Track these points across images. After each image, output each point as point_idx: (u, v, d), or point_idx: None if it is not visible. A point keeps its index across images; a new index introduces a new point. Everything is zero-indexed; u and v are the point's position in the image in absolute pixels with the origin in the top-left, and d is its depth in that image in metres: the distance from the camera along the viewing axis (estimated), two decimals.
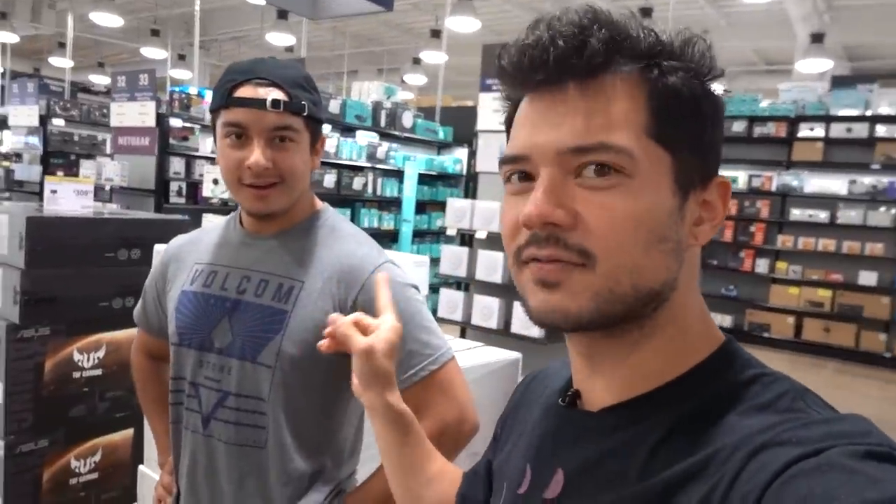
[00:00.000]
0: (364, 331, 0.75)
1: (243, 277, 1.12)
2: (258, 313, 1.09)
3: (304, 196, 1.16)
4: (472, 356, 1.94)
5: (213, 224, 1.28)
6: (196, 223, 2.34)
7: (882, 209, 7.43)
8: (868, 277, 7.33)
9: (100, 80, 15.21)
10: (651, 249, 0.51)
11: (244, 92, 1.04)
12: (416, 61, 13.82)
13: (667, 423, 0.51)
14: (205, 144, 6.87)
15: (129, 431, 2.68)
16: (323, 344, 0.76)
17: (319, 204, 1.21)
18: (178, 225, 2.82)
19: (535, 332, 4.29)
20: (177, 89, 6.80)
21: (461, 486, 0.78)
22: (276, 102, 1.04)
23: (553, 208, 0.51)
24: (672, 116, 0.51)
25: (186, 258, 1.22)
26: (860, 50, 11.50)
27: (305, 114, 1.07)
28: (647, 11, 8.94)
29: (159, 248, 2.13)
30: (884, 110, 7.39)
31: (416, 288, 1.14)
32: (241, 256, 1.15)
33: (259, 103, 1.03)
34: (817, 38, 9.97)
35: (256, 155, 1.04)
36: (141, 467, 2.23)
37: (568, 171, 0.51)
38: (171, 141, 6.48)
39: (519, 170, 0.54)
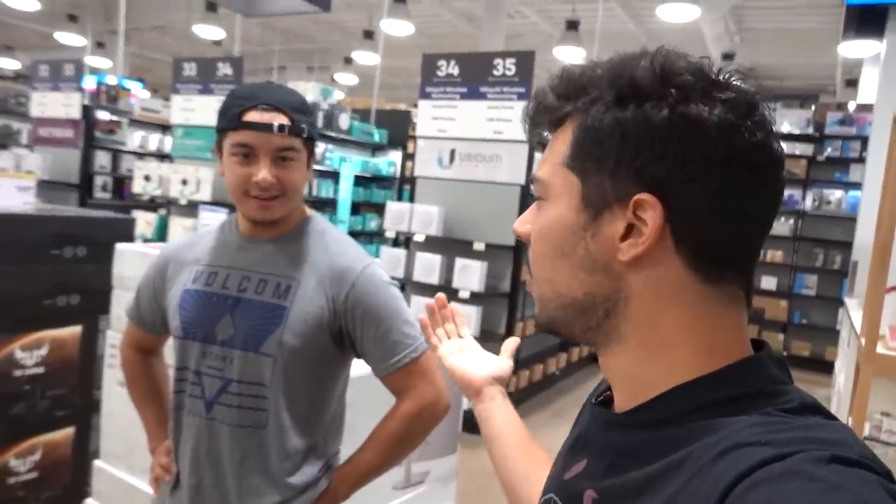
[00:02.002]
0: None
1: (243, 277, 1.24)
2: (259, 309, 1.22)
3: (297, 205, 1.30)
4: None
5: (206, 230, 1.38)
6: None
7: (782, 220, 8.07)
8: (769, 282, 7.93)
9: (8, 64, 14.35)
10: (556, 261, 0.59)
11: (252, 117, 1.18)
12: (348, 61, 13.79)
13: (660, 426, 0.55)
14: (133, 139, 6.68)
15: (71, 430, 2.66)
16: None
17: (308, 211, 1.34)
18: (126, 224, 2.82)
19: (470, 331, 4.46)
20: (103, 79, 6.57)
21: None
22: (281, 127, 1.18)
23: (520, 224, 0.64)
24: (582, 145, 0.57)
25: (185, 259, 1.33)
26: (765, 70, 12.35)
27: (305, 135, 1.22)
28: (573, 24, 9.34)
29: (121, 248, 2.16)
30: (785, 129, 8.04)
31: (396, 285, 1.30)
32: (240, 258, 1.27)
33: (267, 127, 1.18)
34: (728, 57, 10.67)
35: (264, 173, 1.18)
36: (97, 462, 2.24)
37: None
38: (97, 134, 6.28)
39: None
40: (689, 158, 0.52)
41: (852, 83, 10.47)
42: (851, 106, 7.67)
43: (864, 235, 4.69)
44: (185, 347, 1.26)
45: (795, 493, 0.41)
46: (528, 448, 0.87)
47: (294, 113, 1.20)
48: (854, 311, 3.86)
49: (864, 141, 6.83)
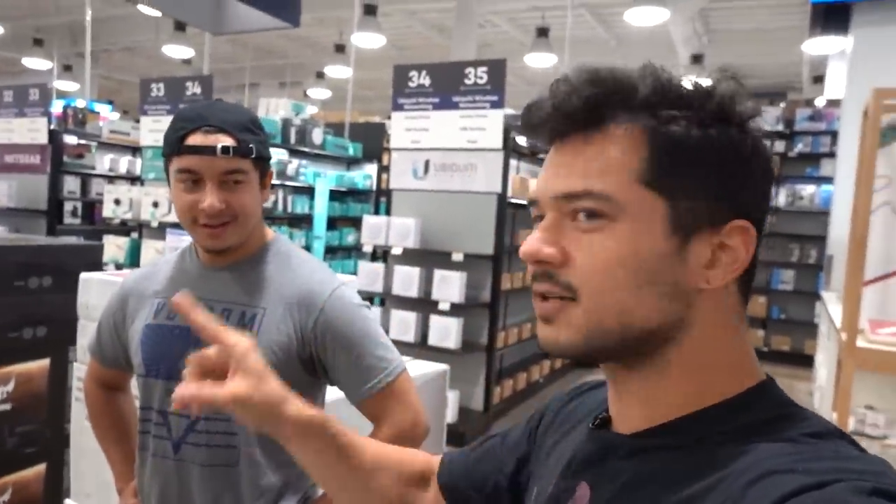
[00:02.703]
0: (213, 368, 0.69)
1: (206, 308, 1.17)
2: None
3: (256, 228, 1.23)
4: None
5: (166, 258, 1.33)
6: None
7: None
8: None
9: None
10: (637, 290, 0.53)
11: (195, 140, 1.11)
12: (320, 75, 13.75)
13: (688, 450, 0.53)
14: (103, 162, 6.56)
15: (42, 467, 2.57)
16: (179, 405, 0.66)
17: (271, 234, 1.28)
18: (93, 251, 2.75)
19: (451, 343, 4.43)
20: (71, 103, 6.46)
21: (446, 472, 0.79)
22: (225, 149, 1.11)
23: (541, 246, 0.56)
24: (668, 164, 0.53)
25: (145, 292, 1.27)
26: (734, 70, 12.49)
27: (253, 156, 1.15)
28: (543, 31, 9.39)
29: (86, 277, 2.09)
30: None
31: (368, 307, 1.25)
32: (201, 288, 1.21)
33: (210, 150, 1.11)
34: (697, 58, 10.81)
35: (210, 199, 1.11)
36: (68, 501, 2.16)
37: (565, 214, 0.56)
38: (66, 159, 6.16)
39: (537, 214, 0.59)
40: (763, 186, 0.56)
41: (819, 79, 10.65)
42: (820, 102, 7.80)
43: (838, 229, 4.74)
44: (148, 386, 1.20)
45: None
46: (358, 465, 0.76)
47: (241, 133, 1.14)
48: (832, 305, 3.89)
49: (834, 136, 6.92)
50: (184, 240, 4.63)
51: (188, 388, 0.66)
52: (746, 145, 0.54)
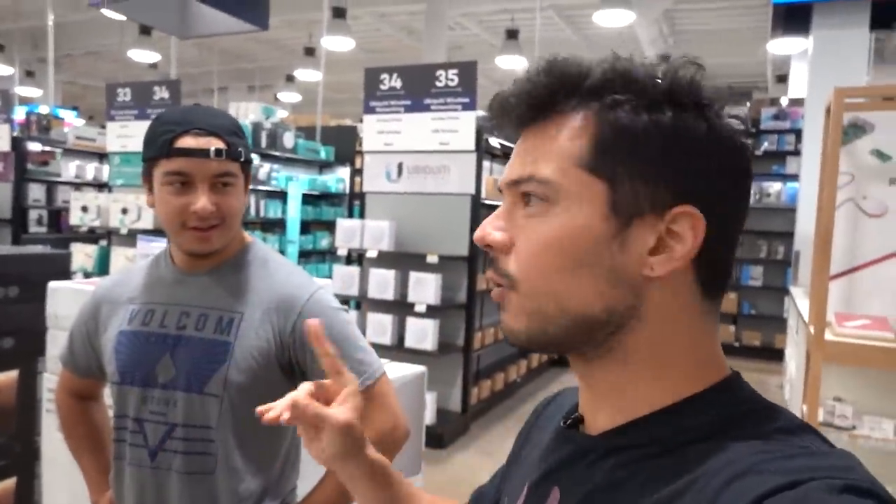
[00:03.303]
0: (325, 396, 0.71)
1: (182, 314, 1.17)
2: (201, 347, 1.14)
3: (235, 232, 1.22)
4: None
5: (138, 265, 1.31)
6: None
7: None
8: None
9: None
10: (572, 273, 0.53)
11: (186, 143, 1.11)
12: (290, 79, 13.65)
13: (657, 448, 0.52)
14: (68, 169, 6.42)
15: (12, 481, 2.51)
16: (271, 417, 0.68)
17: (248, 238, 1.27)
18: (61, 259, 2.69)
19: (428, 345, 4.43)
20: (35, 109, 6.32)
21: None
22: (219, 151, 1.12)
23: (489, 231, 0.57)
24: (610, 148, 0.52)
25: (119, 299, 1.25)
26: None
27: (242, 159, 1.16)
28: (513, 34, 9.46)
29: (54, 286, 2.04)
30: None
31: (346, 310, 1.24)
32: (177, 294, 1.20)
33: (203, 153, 1.11)
34: (664, 59, 10.96)
35: (203, 201, 1.11)
36: None
37: (517, 200, 0.56)
38: (30, 166, 6.02)
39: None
40: (721, 175, 0.53)
41: (782, 79, 10.88)
42: (784, 101, 7.96)
43: (805, 226, 4.84)
44: (123, 393, 1.18)
45: None
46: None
47: (229, 136, 1.14)
48: (800, 300, 3.97)
49: (798, 134, 7.08)
50: (154, 247, 4.56)
51: (305, 400, 0.68)
52: (699, 130, 0.52)
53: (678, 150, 0.52)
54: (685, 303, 0.54)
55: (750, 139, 0.54)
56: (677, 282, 0.53)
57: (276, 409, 0.68)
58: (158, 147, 1.12)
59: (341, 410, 0.68)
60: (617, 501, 0.52)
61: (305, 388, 0.70)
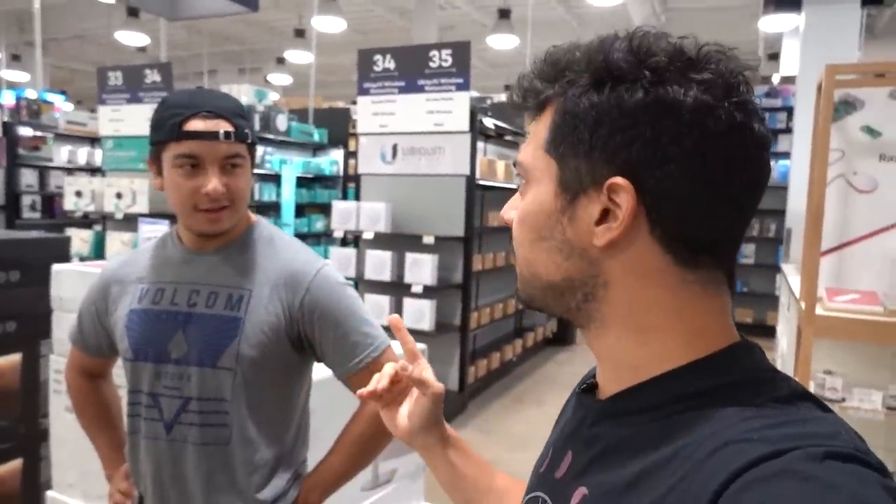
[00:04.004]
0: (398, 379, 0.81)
1: (192, 291, 1.20)
2: (212, 323, 1.18)
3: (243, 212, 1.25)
4: None
5: (147, 244, 1.33)
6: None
7: None
8: None
9: None
10: (531, 245, 0.60)
11: (195, 125, 1.13)
12: (280, 61, 13.53)
13: (649, 416, 0.54)
14: (60, 154, 6.38)
15: (18, 462, 2.54)
16: (366, 392, 0.79)
17: (253, 217, 1.30)
18: (60, 243, 2.70)
19: (425, 325, 4.47)
20: (22, 94, 6.26)
21: None
22: (227, 134, 1.14)
23: (506, 210, 0.65)
24: (559, 129, 0.56)
25: (127, 278, 1.27)
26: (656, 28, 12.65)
27: (249, 141, 1.18)
28: (505, 13, 9.40)
29: (58, 269, 2.06)
30: None
31: (351, 285, 1.28)
32: (186, 272, 1.23)
33: (212, 135, 1.13)
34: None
35: (214, 183, 1.13)
36: (49, 493, 2.15)
37: None
38: (21, 151, 5.98)
39: None
40: (663, 142, 0.51)
41: (774, 57, 10.87)
42: (776, 79, 7.97)
43: (796, 203, 4.88)
44: (137, 370, 1.21)
45: (790, 494, 0.40)
46: (487, 487, 0.82)
47: (236, 119, 1.16)
48: (791, 276, 4.03)
49: (790, 112, 7.10)
50: (156, 229, 4.56)
51: (406, 366, 0.80)
52: (632, 101, 0.52)
53: (610, 124, 0.53)
54: (653, 269, 0.54)
55: (731, 100, 0.52)
56: (635, 249, 0.54)
57: (371, 385, 0.79)
58: (167, 130, 1.14)
59: (435, 383, 0.81)
60: (610, 466, 0.54)
61: (393, 367, 0.81)
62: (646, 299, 0.55)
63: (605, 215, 0.54)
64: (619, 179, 0.52)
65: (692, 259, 0.54)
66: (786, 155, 7.20)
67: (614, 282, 0.56)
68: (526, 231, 0.60)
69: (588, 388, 0.65)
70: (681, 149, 0.51)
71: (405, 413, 0.82)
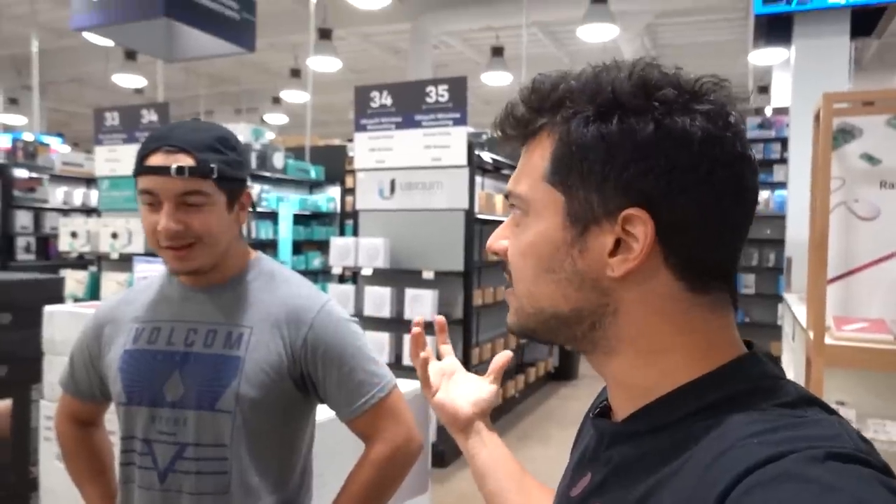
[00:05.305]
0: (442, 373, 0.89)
1: (189, 330, 1.15)
2: (210, 363, 1.12)
3: (235, 249, 1.20)
4: None
5: (144, 283, 1.29)
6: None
7: None
8: None
9: None
10: (538, 278, 0.58)
11: (154, 160, 1.09)
12: (276, 101, 13.67)
13: (661, 432, 0.54)
14: (56, 195, 6.36)
15: None
16: (499, 363, 0.89)
17: (254, 253, 1.25)
18: (53, 285, 2.65)
19: None
20: (20, 137, 6.27)
21: None
22: (181, 169, 1.07)
23: (493, 241, 0.64)
24: (564, 160, 0.56)
25: (122, 318, 1.22)
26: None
27: (215, 176, 1.11)
28: (498, 50, 9.54)
29: (50, 310, 2.01)
30: None
31: (356, 322, 1.23)
32: (184, 310, 1.18)
33: (164, 171, 1.08)
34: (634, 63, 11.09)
35: (164, 221, 1.08)
36: None
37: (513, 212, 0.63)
38: (17, 193, 5.96)
39: None
40: (676, 172, 0.53)
41: (764, 89, 11.03)
42: (768, 111, 8.05)
43: (795, 232, 4.87)
44: (130, 414, 1.15)
45: (790, 497, 0.40)
46: (521, 481, 0.82)
47: (203, 152, 1.09)
48: (796, 306, 3.98)
49: (784, 142, 7.16)
50: (154, 269, 4.50)
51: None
52: (645, 132, 0.52)
53: (622, 156, 0.53)
54: (665, 295, 0.55)
55: (728, 129, 0.54)
56: (650, 278, 0.55)
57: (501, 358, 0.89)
58: (136, 164, 1.11)
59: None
60: (624, 483, 0.55)
61: (506, 354, 0.90)
62: (655, 324, 0.56)
63: (617, 246, 0.55)
64: (636, 211, 0.53)
65: (703, 284, 0.55)
66: (782, 185, 7.23)
67: (624, 309, 0.56)
68: (530, 264, 0.59)
69: (601, 411, 0.66)
70: (693, 178, 0.53)
71: (471, 400, 0.86)
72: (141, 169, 1.09)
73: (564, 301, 0.57)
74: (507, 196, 0.63)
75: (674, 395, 0.55)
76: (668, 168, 0.52)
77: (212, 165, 1.10)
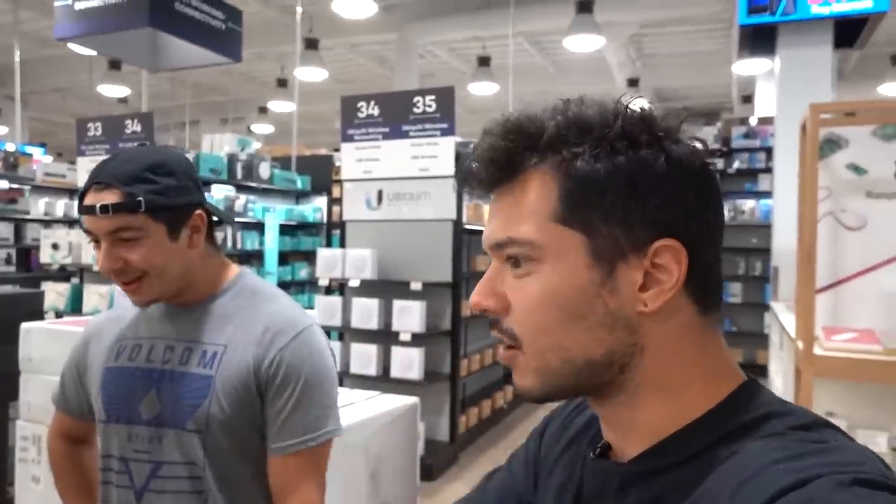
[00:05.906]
0: None
1: (167, 348, 1.13)
2: (184, 381, 1.10)
3: (204, 269, 1.16)
4: (374, 405, 1.97)
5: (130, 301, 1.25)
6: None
7: None
8: None
9: None
10: (565, 326, 0.54)
11: (88, 199, 1.07)
12: (263, 110, 13.61)
13: (680, 467, 0.53)
14: (37, 206, 6.27)
15: None
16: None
17: (235, 270, 1.22)
18: (33, 299, 2.59)
19: (415, 374, 4.35)
20: (2, 147, 6.18)
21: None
22: (104, 208, 1.04)
23: (483, 297, 0.58)
24: (578, 199, 0.54)
25: (107, 335, 1.21)
26: (668, 92, 13.01)
27: (142, 209, 1.06)
28: (485, 61, 9.56)
29: (27, 327, 1.95)
30: None
31: (333, 356, 1.19)
32: (165, 328, 1.16)
33: (90, 210, 1.06)
34: (633, 82, 11.18)
35: (100, 260, 1.07)
36: None
37: (503, 261, 0.58)
38: None
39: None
40: (689, 199, 0.54)
41: (748, 99, 11.14)
42: (753, 120, 8.12)
43: (781, 241, 4.89)
44: (108, 432, 1.13)
45: None
46: None
47: (130, 186, 1.04)
48: (783, 315, 3.98)
49: (769, 152, 7.21)
50: None
51: None
52: (659, 163, 0.53)
53: (643, 188, 0.53)
54: (684, 324, 0.55)
55: (718, 156, 0.56)
56: (673, 308, 0.55)
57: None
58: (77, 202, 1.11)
59: None
60: None
61: None
62: (676, 356, 0.55)
63: (645, 280, 0.54)
64: (668, 241, 0.53)
65: (710, 303, 0.56)
66: (767, 194, 7.28)
67: (650, 345, 0.55)
68: (553, 314, 0.54)
69: (601, 451, 0.62)
70: (702, 203, 0.55)
71: None
72: (79, 209, 1.09)
73: (598, 346, 0.54)
74: (497, 245, 0.57)
75: (689, 430, 0.54)
76: (682, 196, 0.54)
77: (139, 199, 1.05)
